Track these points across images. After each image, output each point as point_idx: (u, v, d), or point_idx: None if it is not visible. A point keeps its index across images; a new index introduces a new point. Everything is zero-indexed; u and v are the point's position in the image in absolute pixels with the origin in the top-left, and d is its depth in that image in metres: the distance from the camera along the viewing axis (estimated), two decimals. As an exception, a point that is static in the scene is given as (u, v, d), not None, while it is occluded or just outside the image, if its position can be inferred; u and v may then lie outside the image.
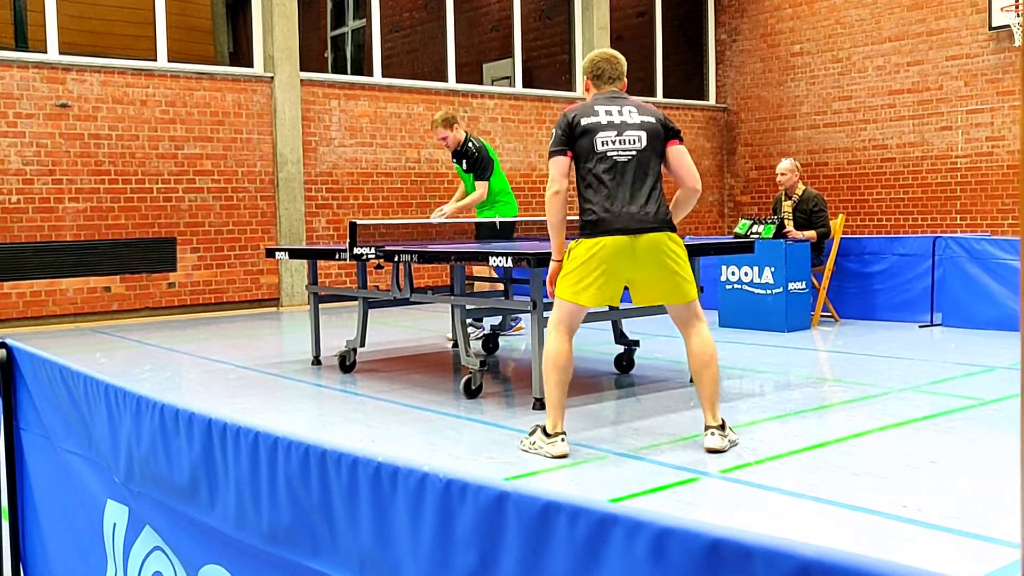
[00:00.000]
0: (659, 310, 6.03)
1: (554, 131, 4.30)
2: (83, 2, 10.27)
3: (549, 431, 4.25)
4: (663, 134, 4.32)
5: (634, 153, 4.23)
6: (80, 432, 2.07)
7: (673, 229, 4.28)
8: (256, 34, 11.04)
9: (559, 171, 4.25)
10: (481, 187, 7.75)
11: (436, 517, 1.19)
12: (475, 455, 4.37)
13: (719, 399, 4.37)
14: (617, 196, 4.17)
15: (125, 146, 9.99)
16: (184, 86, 10.34)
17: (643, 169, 4.23)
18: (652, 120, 4.31)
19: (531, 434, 4.37)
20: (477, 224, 7.28)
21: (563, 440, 4.24)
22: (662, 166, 4.34)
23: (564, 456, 4.22)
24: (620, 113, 4.28)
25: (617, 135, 4.23)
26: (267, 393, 6.02)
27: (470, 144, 7.75)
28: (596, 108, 4.29)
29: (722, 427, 4.31)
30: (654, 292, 4.32)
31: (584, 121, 4.24)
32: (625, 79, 4.49)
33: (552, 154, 4.27)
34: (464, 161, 7.79)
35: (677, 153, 4.33)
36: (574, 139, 4.25)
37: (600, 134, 4.22)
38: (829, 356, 7.23)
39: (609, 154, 4.21)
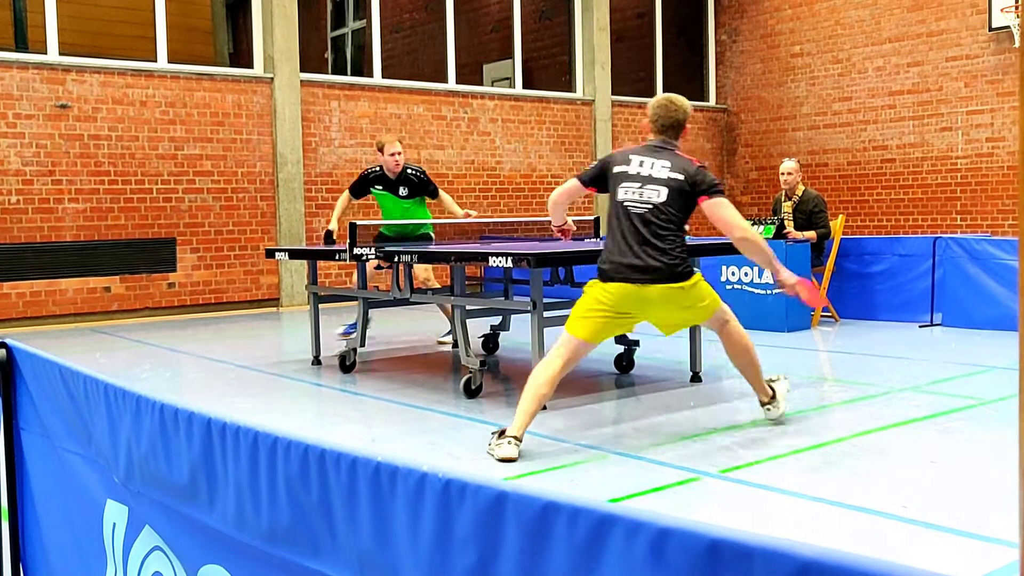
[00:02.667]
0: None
1: (593, 164, 4.67)
2: (83, 2, 10.27)
3: (512, 434, 4.17)
4: (689, 191, 4.43)
5: (649, 207, 4.38)
6: (80, 432, 2.07)
7: (682, 278, 4.37)
8: (256, 35, 11.04)
9: (568, 189, 4.72)
10: (447, 200, 7.85)
11: (435, 517, 1.19)
12: (475, 455, 4.37)
13: (762, 376, 4.69)
14: (624, 246, 4.36)
15: (125, 147, 9.99)
16: (184, 87, 10.34)
17: (656, 222, 4.37)
18: (680, 177, 4.44)
19: (497, 437, 4.28)
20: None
21: (511, 443, 4.16)
22: (686, 218, 4.55)
23: (512, 460, 4.12)
24: (652, 167, 4.46)
25: (639, 187, 4.42)
26: (267, 393, 6.01)
27: (409, 170, 7.73)
28: (631, 157, 4.53)
29: (773, 398, 4.67)
30: (677, 325, 4.64)
31: (616, 169, 4.51)
32: (683, 127, 4.66)
33: (578, 176, 4.68)
34: (405, 187, 7.68)
35: (708, 208, 4.47)
36: (604, 179, 4.55)
37: (624, 184, 4.45)
38: (829, 356, 7.23)
39: (626, 204, 4.42)
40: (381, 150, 7.68)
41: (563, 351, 4.35)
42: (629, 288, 4.29)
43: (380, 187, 7.73)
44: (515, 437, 4.20)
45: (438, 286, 7.69)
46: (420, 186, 7.74)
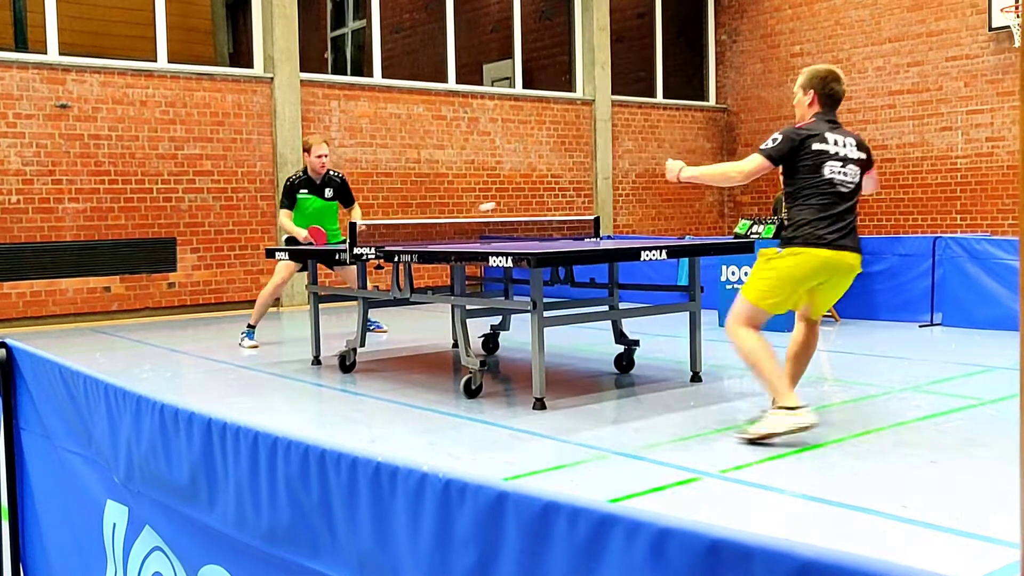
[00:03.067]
0: (656, 310, 6.04)
1: (778, 136, 4.48)
2: (83, 2, 10.27)
3: (792, 405, 4.29)
4: (868, 166, 4.61)
5: (852, 186, 4.49)
6: (80, 432, 2.07)
7: (862, 253, 4.57)
8: (256, 35, 11.04)
9: (756, 168, 4.47)
10: (357, 212, 8.06)
11: (435, 517, 1.19)
12: (475, 455, 4.37)
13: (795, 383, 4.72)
14: (832, 219, 4.40)
15: (125, 146, 9.99)
16: (184, 87, 10.34)
17: (853, 199, 4.51)
18: (864, 157, 4.58)
19: (761, 420, 4.38)
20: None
21: (807, 410, 4.32)
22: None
23: (814, 426, 4.29)
24: (844, 146, 4.51)
25: (842, 166, 4.47)
26: (267, 393, 6.02)
27: (332, 172, 8.00)
28: (826, 135, 4.48)
29: (787, 408, 4.59)
30: (827, 302, 4.68)
31: (815, 146, 4.44)
32: None
33: (762, 151, 4.47)
34: (329, 189, 7.89)
35: (872, 177, 4.68)
36: (795, 157, 4.44)
37: (829, 162, 4.44)
38: (829, 356, 7.22)
39: (835, 182, 4.44)
40: (308, 151, 7.95)
41: (748, 323, 4.44)
42: (833, 255, 4.37)
43: (305, 191, 7.97)
44: (798, 406, 4.30)
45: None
46: (341, 190, 8.00)
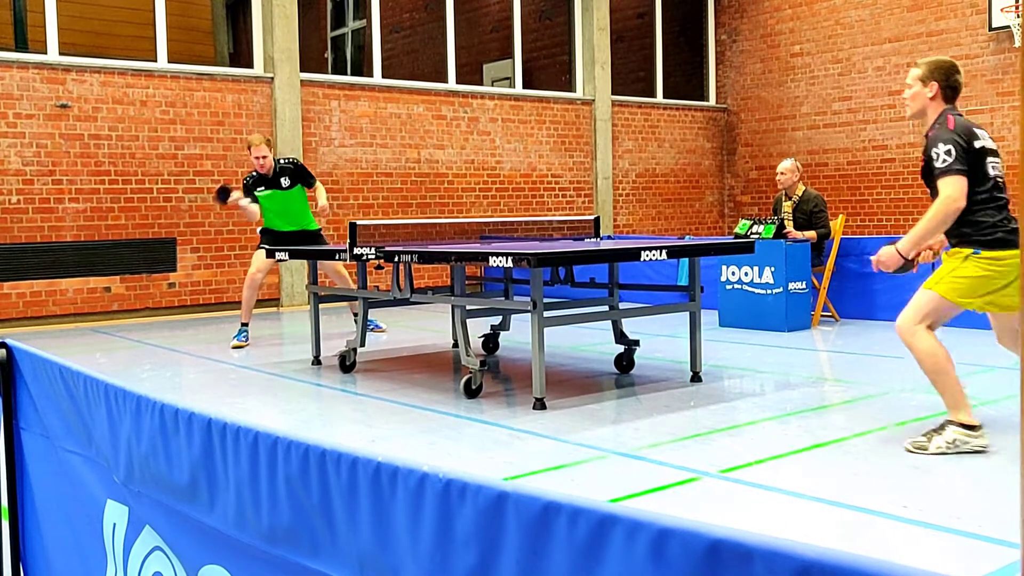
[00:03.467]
0: (656, 310, 6.04)
1: (948, 147, 4.17)
2: (83, 2, 10.27)
3: (970, 423, 4.17)
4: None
5: (1003, 176, 4.34)
6: (80, 432, 2.07)
7: None
8: (256, 35, 11.04)
9: (962, 189, 4.14)
10: (321, 189, 8.13)
11: (436, 517, 1.19)
12: (475, 455, 4.37)
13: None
14: (1009, 217, 4.25)
15: (125, 146, 9.99)
16: (184, 87, 10.34)
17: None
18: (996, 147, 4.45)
19: (939, 434, 4.21)
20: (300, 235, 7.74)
21: (983, 432, 4.19)
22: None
23: (987, 448, 4.16)
24: (986, 138, 4.34)
25: (996, 160, 4.33)
26: (267, 393, 6.02)
27: (283, 161, 8.07)
28: (976, 131, 4.29)
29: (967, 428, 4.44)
30: (1015, 302, 4.35)
31: (977, 144, 4.25)
32: None
33: (956, 171, 4.15)
34: (285, 178, 7.97)
35: None
36: (967, 158, 4.20)
37: (989, 159, 4.28)
38: (829, 356, 7.23)
39: (998, 179, 4.29)
40: (248, 150, 8.02)
41: (930, 324, 4.30)
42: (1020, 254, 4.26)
43: (262, 188, 8.05)
44: (976, 426, 4.18)
45: (353, 285, 7.98)
46: (296, 174, 8.02)
